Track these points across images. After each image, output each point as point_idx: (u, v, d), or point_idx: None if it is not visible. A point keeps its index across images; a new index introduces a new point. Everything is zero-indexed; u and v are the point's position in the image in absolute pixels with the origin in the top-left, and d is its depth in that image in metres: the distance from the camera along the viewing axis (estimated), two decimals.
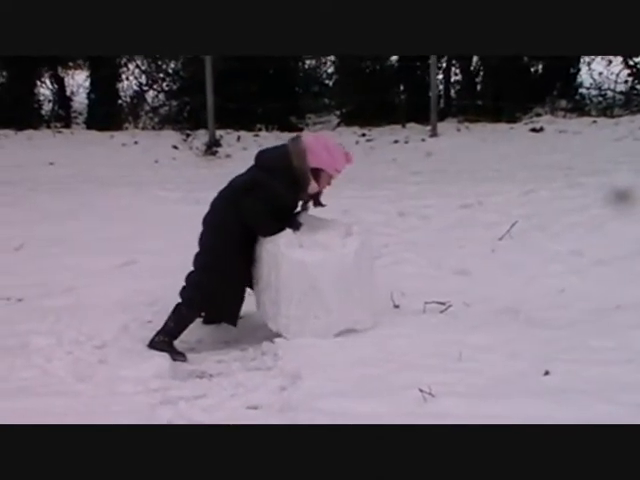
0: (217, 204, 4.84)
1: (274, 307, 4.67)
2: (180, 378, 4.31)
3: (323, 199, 4.96)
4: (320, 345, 4.51)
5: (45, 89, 13.79)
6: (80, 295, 5.52)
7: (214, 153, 10.37)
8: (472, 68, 13.40)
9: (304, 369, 4.17)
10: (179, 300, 4.75)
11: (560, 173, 8.20)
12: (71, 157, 10.26)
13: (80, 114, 13.62)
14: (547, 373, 4.05)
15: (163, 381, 4.21)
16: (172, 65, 13.20)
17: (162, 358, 4.45)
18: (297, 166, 4.68)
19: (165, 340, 4.68)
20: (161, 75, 13.37)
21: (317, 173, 4.74)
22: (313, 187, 4.74)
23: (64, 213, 7.42)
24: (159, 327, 4.79)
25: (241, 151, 10.48)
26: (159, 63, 13.24)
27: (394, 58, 13.23)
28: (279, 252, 4.61)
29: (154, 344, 4.65)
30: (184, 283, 4.77)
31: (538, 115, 11.74)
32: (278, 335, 4.66)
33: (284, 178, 4.66)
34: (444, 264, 5.94)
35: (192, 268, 4.80)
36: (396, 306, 5.14)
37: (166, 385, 4.17)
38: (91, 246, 6.51)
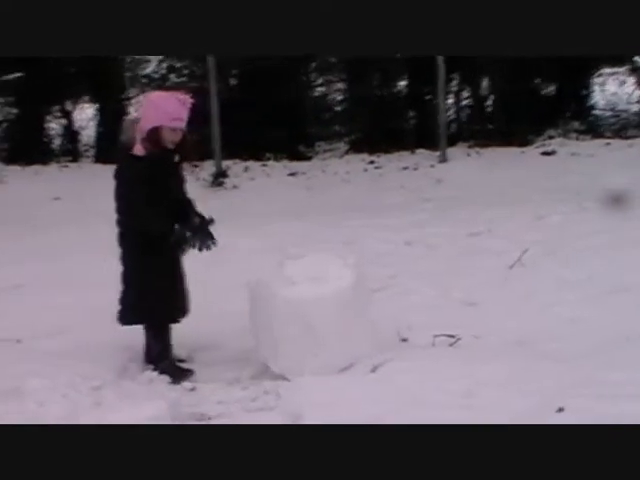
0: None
1: (272, 347, 4.57)
2: (179, 421, 4.18)
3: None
4: (323, 383, 4.37)
5: (55, 124, 13.84)
6: (79, 334, 5.39)
7: (221, 184, 10.29)
8: (482, 92, 13.35)
9: (306, 408, 4.04)
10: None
11: (572, 197, 8.07)
12: (77, 191, 10.20)
13: (92, 147, 13.64)
14: (561, 410, 3.90)
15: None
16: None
17: (160, 400, 4.32)
18: (125, 141, 4.62)
19: (166, 365, 4.73)
20: None
21: (159, 132, 4.58)
22: (136, 149, 4.57)
23: (66, 249, 7.32)
24: None
25: (249, 181, 10.44)
26: None
27: (402, 84, 13.19)
28: (271, 291, 4.51)
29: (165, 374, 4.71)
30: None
31: (551, 138, 11.62)
32: (280, 375, 4.54)
33: (125, 159, 4.62)
34: (452, 294, 5.81)
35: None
36: (403, 339, 5.03)
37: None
38: (92, 282, 6.40)
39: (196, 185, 10.31)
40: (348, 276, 4.62)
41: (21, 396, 4.42)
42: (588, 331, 5.11)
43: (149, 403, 4.26)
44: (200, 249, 4.70)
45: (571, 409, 3.88)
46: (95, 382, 4.59)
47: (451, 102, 12.88)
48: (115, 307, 5.85)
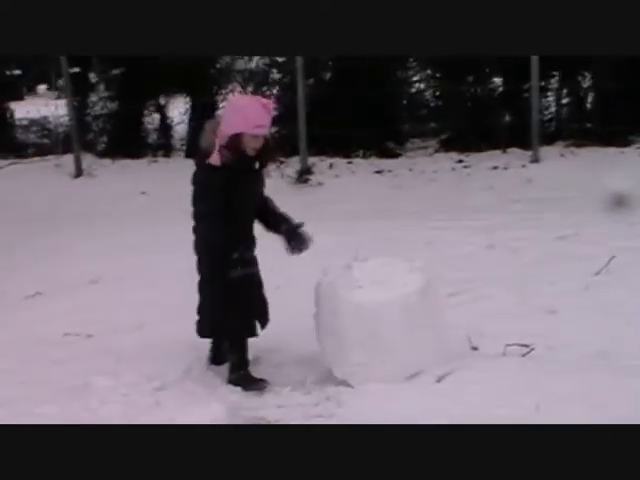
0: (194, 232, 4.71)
1: (337, 353, 4.44)
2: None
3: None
4: (385, 392, 4.24)
5: (150, 120, 14.01)
6: (149, 332, 5.40)
7: (306, 181, 10.23)
8: (582, 90, 12.92)
9: (365, 418, 3.93)
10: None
11: None
12: (163, 186, 10.26)
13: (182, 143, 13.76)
14: None
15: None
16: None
17: (220, 403, 4.25)
18: (205, 147, 4.44)
19: (240, 376, 4.58)
20: None
21: (239, 139, 4.38)
22: (213, 159, 4.37)
23: (146, 245, 7.37)
24: (224, 367, 4.70)
25: (333, 179, 10.34)
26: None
27: (498, 81, 12.87)
28: (337, 295, 4.39)
29: (237, 385, 4.59)
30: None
31: None
32: (343, 381, 4.43)
33: (204, 168, 4.43)
34: (531, 302, 5.58)
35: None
36: (474, 348, 4.83)
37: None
38: (168, 279, 6.41)
39: (281, 182, 10.30)
40: (416, 281, 4.47)
41: (85, 394, 4.44)
42: None
43: (208, 406, 4.20)
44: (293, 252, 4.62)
45: None
46: (158, 382, 4.57)
47: (550, 100, 12.52)
48: (187, 306, 5.89)
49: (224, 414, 4.14)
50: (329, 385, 4.47)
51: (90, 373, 4.67)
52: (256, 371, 4.68)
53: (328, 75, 12.77)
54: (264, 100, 4.50)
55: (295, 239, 4.61)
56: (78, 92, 12.45)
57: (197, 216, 4.62)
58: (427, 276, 4.56)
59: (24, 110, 14.48)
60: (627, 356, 4.67)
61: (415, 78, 13.46)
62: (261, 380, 4.60)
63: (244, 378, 4.60)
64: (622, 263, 6.06)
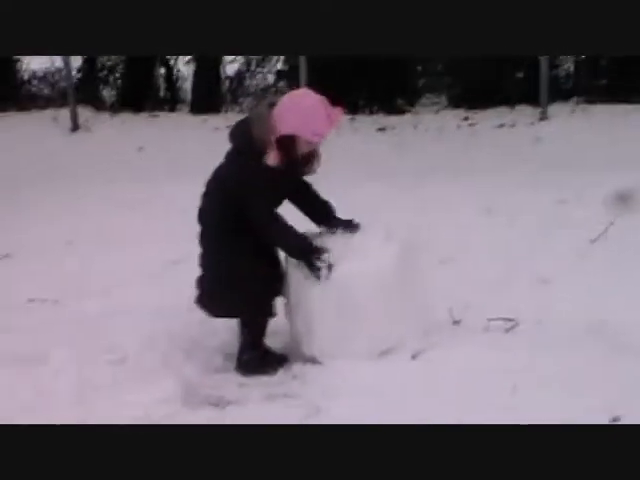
0: (206, 199, 4.27)
1: (307, 327, 4.12)
2: (191, 405, 3.82)
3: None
4: (355, 370, 3.94)
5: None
6: (117, 298, 5.14)
7: None
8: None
9: (326, 401, 3.66)
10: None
11: None
12: (162, 142, 9.95)
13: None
14: (616, 419, 3.39)
15: (170, 407, 3.74)
16: None
17: (175, 379, 3.97)
18: (258, 136, 4.00)
19: (254, 356, 4.19)
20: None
21: (294, 141, 4.00)
22: (270, 159, 4.00)
23: (132, 204, 7.09)
24: (187, 338, 4.40)
25: (335, 137, 9.91)
26: None
27: None
28: (300, 270, 4.09)
29: (244, 368, 4.18)
30: (197, 290, 4.26)
31: None
32: (312, 357, 4.13)
33: (253, 158, 4.01)
34: (523, 271, 5.25)
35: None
36: (456, 322, 4.51)
37: (172, 412, 3.70)
38: (149, 242, 6.13)
39: None
40: (392, 250, 4.15)
41: (39, 367, 4.18)
42: None
43: (163, 385, 3.93)
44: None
45: (630, 418, 3.38)
46: (117, 355, 4.30)
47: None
48: (163, 271, 5.61)
49: (179, 393, 3.88)
50: (297, 362, 4.18)
51: (49, 343, 4.41)
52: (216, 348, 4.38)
53: None
54: (332, 109, 4.00)
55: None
56: None
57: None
58: (406, 245, 4.25)
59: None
60: (620, 331, 4.33)
61: None
62: (279, 358, 4.22)
63: (257, 359, 4.19)
64: (622, 228, 5.72)
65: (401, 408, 3.60)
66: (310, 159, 4.18)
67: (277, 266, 4.23)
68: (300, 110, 3.98)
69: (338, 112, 4.05)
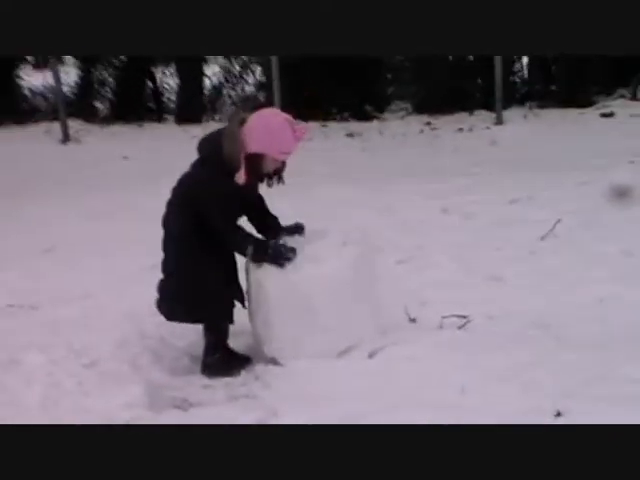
0: (171, 206, 4.02)
1: (266, 330, 3.89)
2: (155, 409, 3.58)
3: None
4: (314, 371, 3.72)
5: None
6: (93, 303, 4.88)
7: None
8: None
9: (285, 403, 3.44)
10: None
11: (624, 162, 7.15)
12: (146, 152, 9.70)
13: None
14: (559, 414, 3.18)
15: (133, 412, 3.50)
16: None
17: (139, 384, 3.73)
18: (228, 152, 3.76)
19: (217, 358, 3.95)
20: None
21: (261, 159, 3.79)
22: (239, 177, 3.76)
23: (112, 212, 6.84)
24: (157, 338, 4.17)
25: (306, 142, 9.71)
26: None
27: None
28: (263, 270, 3.85)
29: (209, 370, 3.95)
30: (157, 294, 4.03)
31: (623, 97, 10.43)
32: (272, 359, 3.91)
33: (218, 169, 3.78)
34: (476, 268, 5.04)
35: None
36: (412, 319, 4.29)
37: (135, 417, 3.46)
38: (127, 248, 5.87)
39: None
40: (348, 254, 3.93)
41: (10, 371, 3.93)
42: (619, 313, 4.26)
43: (127, 388, 3.69)
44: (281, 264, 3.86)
45: (573, 413, 3.17)
46: (87, 359, 4.04)
47: (521, 65, 11.87)
48: (139, 276, 5.35)
49: (142, 396, 3.63)
50: (259, 363, 3.95)
51: (22, 347, 4.16)
52: (184, 350, 4.14)
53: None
54: (298, 127, 3.81)
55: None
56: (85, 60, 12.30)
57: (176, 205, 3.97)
58: (362, 249, 4.02)
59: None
60: (565, 325, 4.14)
61: None
62: (242, 359, 3.99)
63: (221, 361, 3.95)
64: (570, 226, 5.53)
65: (354, 407, 3.38)
66: (274, 175, 3.96)
67: (234, 272, 4.01)
68: (268, 130, 3.77)
69: (303, 129, 3.88)
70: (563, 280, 4.77)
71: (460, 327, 4.16)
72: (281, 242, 3.90)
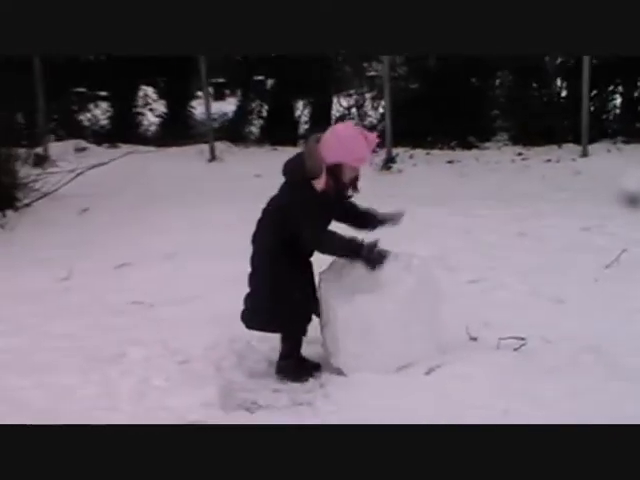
0: (261, 225, 3.78)
1: (334, 343, 3.61)
2: (227, 409, 3.35)
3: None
4: (374, 383, 3.40)
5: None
6: (200, 304, 4.69)
7: (389, 168, 9.28)
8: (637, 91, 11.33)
9: (342, 412, 3.12)
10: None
11: None
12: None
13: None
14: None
15: (207, 412, 3.28)
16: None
17: (216, 385, 3.51)
18: (310, 167, 3.51)
19: (290, 363, 3.70)
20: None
21: (340, 169, 3.53)
22: (319, 183, 3.51)
23: (224, 223, 6.65)
24: (245, 343, 3.95)
25: (411, 167, 9.34)
26: None
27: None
28: (332, 292, 3.58)
29: (281, 373, 3.71)
30: (243, 306, 3.78)
31: None
32: (338, 369, 3.60)
33: (302, 186, 3.53)
34: (542, 291, 4.56)
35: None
36: (473, 339, 3.88)
37: (205, 417, 3.22)
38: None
39: (369, 169, 9.41)
40: (410, 278, 3.58)
41: (111, 365, 3.80)
42: None
43: (207, 387, 3.47)
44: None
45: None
46: (180, 357, 3.88)
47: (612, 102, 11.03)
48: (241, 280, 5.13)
49: (216, 397, 3.40)
50: (326, 372, 3.65)
51: (129, 342, 4.04)
52: (265, 354, 3.88)
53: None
54: (368, 134, 3.57)
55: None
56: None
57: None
58: (424, 273, 3.66)
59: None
60: (618, 353, 3.65)
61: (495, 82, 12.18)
62: (312, 367, 3.71)
63: (292, 367, 3.69)
64: (636, 256, 4.93)
65: (396, 420, 3.02)
66: (355, 182, 3.68)
67: (313, 290, 3.72)
68: (342, 140, 3.53)
69: (374, 137, 3.60)
70: (623, 308, 4.23)
71: (516, 349, 3.73)
72: (374, 244, 3.59)
